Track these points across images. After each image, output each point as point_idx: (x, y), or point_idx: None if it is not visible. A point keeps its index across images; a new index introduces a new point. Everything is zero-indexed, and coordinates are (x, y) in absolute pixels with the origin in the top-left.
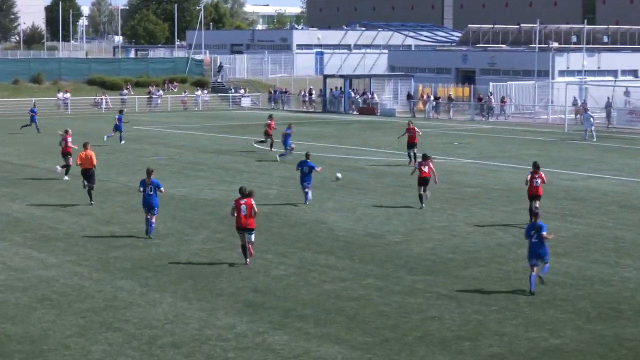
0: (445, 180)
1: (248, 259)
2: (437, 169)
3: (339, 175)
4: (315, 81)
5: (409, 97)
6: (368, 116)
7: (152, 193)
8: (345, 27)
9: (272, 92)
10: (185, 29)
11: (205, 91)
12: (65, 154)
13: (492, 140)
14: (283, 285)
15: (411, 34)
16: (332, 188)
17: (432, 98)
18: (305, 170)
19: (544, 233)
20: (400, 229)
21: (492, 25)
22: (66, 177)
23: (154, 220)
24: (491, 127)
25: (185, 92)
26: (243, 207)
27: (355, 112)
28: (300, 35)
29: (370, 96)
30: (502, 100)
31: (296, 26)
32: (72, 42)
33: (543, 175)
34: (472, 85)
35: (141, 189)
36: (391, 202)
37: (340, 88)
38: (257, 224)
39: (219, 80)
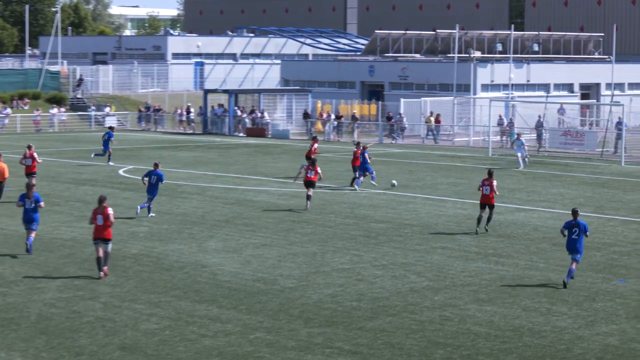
0: (349, 214)
1: (102, 273)
2: (339, 201)
3: (394, 182)
4: (194, 97)
5: (306, 116)
6: (257, 139)
7: (32, 206)
8: (229, 33)
9: (144, 109)
10: (38, 34)
11: (63, 109)
12: (30, 173)
13: (403, 167)
14: (155, 341)
15: (308, 41)
16: (214, 224)
17: (333, 117)
18: (153, 180)
19: (588, 233)
20: (295, 273)
21: (403, 32)
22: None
23: (33, 235)
24: (403, 151)
25: (38, 110)
26: (100, 216)
27: (242, 134)
28: (177, 43)
29: (259, 115)
30: (437, 120)
31: (171, 32)
32: None
33: (494, 183)
34: (380, 102)
35: (21, 202)
36: (285, 241)
37: (224, 105)
38: (125, 268)
39: (78, 95)
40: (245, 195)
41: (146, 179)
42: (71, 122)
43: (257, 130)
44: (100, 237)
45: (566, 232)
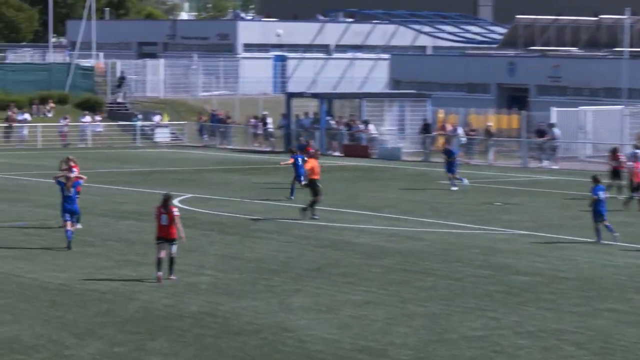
0: (482, 263)
1: (172, 275)
2: (470, 244)
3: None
4: (273, 103)
5: (425, 129)
6: (358, 159)
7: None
8: (321, 18)
9: (206, 119)
10: (65, 18)
11: (98, 117)
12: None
13: (556, 201)
14: None
15: (426, 28)
16: (300, 274)
17: (460, 131)
18: None
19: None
20: (410, 341)
21: (554, 17)
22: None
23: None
24: (556, 177)
25: (65, 118)
26: (164, 216)
27: (337, 153)
28: (250, 30)
29: (361, 127)
30: None
31: (243, 15)
32: None
33: None
34: (523, 111)
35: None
36: (396, 298)
37: (315, 114)
38: (182, 331)
39: (119, 100)
40: (342, 236)
41: None
42: (109, 135)
43: (358, 148)
44: (165, 236)
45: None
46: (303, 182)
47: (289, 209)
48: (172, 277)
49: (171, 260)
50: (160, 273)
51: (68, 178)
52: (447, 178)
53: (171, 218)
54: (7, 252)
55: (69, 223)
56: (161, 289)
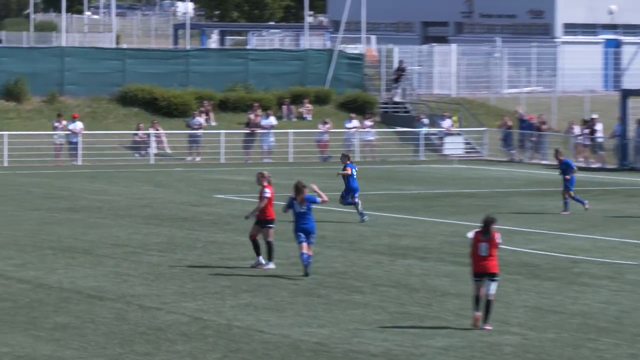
0: None
1: (487, 325)
2: None
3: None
4: (603, 103)
5: None
6: None
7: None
8: None
9: (518, 122)
10: None
11: (369, 122)
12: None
13: None
14: None
15: None
16: (638, 334)
17: None
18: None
19: None
20: None
21: None
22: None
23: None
24: None
25: (325, 122)
26: (483, 245)
27: None
28: (573, 5)
29: None
30: None
31: None
32: (86, 15)
33: None
34: None
35: (289, 207)
36: None
37: None
38: None
39: (397, 98)
40: None
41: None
42: (384, 145)
43: None
44: (483, 270)
45: None
46: (356, 199)
47: (622, 245)
48: (486, 326)
49: (487, 305)
50: (478, 313)
51: (299, 190)
52: None
53: (493, 246)
54: (248, 299)
55: (304, 245)
56: (451, 351)
